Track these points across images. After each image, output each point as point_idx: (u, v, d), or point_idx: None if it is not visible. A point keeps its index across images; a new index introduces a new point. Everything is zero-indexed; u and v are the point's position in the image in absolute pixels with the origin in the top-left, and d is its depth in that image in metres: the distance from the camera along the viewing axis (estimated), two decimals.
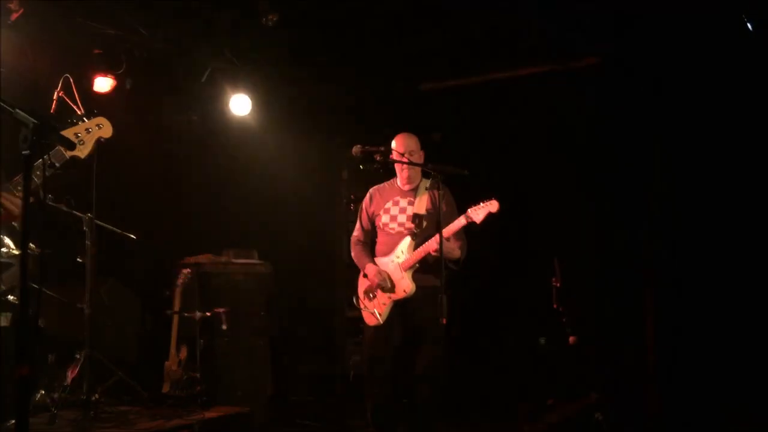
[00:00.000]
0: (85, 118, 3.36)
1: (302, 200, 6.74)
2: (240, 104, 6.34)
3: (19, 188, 2.80)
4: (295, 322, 6.63)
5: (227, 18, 5.55)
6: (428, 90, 6.23)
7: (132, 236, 5.24)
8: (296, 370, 6.51)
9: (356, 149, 4.17)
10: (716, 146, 5.01)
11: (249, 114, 6.42)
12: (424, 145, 4.51)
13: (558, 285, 5.22)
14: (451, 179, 4.19)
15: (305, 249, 6.79)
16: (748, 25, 4.40)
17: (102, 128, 3.37)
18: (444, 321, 3.80)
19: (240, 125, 6.52)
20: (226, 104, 6.35)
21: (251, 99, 6.37)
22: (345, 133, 6.46)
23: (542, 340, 5.81)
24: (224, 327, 5.37)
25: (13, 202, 2.92)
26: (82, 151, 3.30)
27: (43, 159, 2.72)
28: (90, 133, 3.31)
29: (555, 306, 5.18)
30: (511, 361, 5.90)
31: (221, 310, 5.38)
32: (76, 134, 3.26)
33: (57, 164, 3.04)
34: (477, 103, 6.11)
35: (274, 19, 5.29)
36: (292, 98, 6.61)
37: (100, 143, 3.39)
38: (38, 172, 2.83)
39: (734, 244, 5.04)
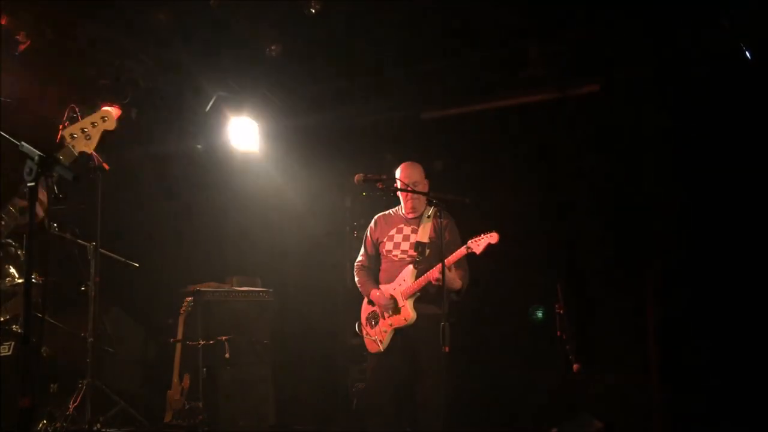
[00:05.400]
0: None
1: (305, 228, 6.75)
2: (244, 132, 6.41)
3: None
4: (298, 350, 6.60)
5: (231, 48, 5.63)
6: (429, 118, 6.27)
7: (135, 265, 5.27)
8: (298, 398, 6.46)
9: (358, 177, 4.22)
10: (716, 176, 5.00)
11: (253, 142, 6.48)
12: (428, 174, 4.54)
13: (561, 311, 5.19)
14: (453, 207, 4.22)
15: (308, 276, 6.78)
16: (747, 53, 4.44)
17: (107, 121, 3.28)
18: (447, 349, 3.80)
19: (244, 153, 6.56)
20: (230, 133, 6.42)
21: (255, 127, 6.43)
22: (348, 161, 6.49)
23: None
24: (227, 356, 5.36)
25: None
26: (89, 146, 3.21)
27: (48, 186, 2.68)
28: (96, 126, 3.23)
29: (558, 333, 5.14)
30: (513, 391, 5.81)
31: (224, 338, 5.37)
32: (82, 129, 3.18)
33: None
34: (477, 131, 6.15)
35: (277, 49, 5.38)
36: (295, 126, 6.67)
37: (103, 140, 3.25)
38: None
39: (741, 269, 5.00)
